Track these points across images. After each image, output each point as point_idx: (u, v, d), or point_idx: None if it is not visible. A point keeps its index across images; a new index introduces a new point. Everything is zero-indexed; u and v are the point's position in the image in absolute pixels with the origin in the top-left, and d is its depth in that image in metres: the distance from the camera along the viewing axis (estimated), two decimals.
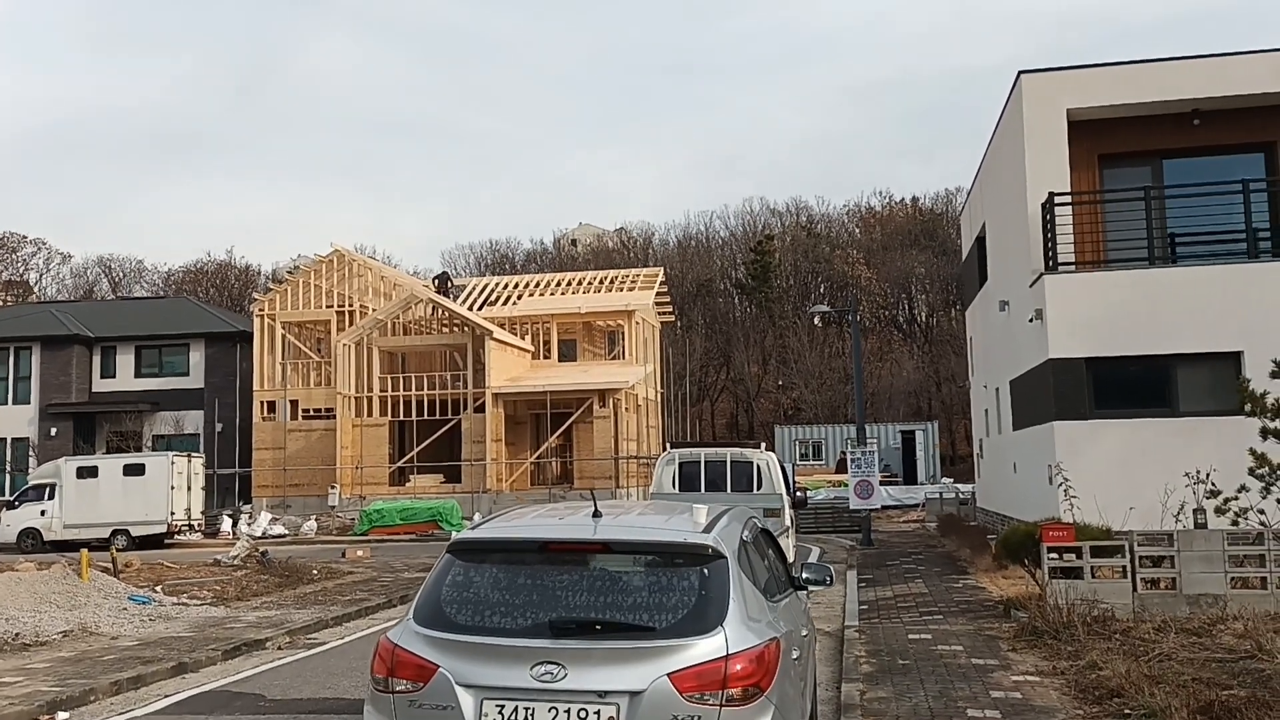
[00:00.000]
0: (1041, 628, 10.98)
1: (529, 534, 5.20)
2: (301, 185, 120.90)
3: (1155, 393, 16.60)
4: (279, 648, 12.47)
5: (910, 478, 42.47)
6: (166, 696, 9.91)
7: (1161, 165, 18.70)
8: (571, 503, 5.83)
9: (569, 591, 4.75)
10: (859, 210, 78.14)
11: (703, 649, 4.53)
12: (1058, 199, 16.80)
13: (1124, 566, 12.01)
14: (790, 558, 14.35)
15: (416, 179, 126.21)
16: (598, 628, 4.60)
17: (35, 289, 71.26)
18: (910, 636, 11.39)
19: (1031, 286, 17.46)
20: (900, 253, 68.30)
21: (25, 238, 71.74)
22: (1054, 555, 12.00)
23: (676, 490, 14.76)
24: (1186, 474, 12.77)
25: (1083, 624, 10.67)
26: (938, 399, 60.47)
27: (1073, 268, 17.00)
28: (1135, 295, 16.55)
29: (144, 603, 15.14)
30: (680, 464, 14.86)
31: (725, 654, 4.54)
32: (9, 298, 66.34)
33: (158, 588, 16.49)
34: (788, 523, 14.03)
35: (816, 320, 67.46)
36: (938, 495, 31.20)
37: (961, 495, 30.24)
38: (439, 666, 4.63)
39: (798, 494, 16.30)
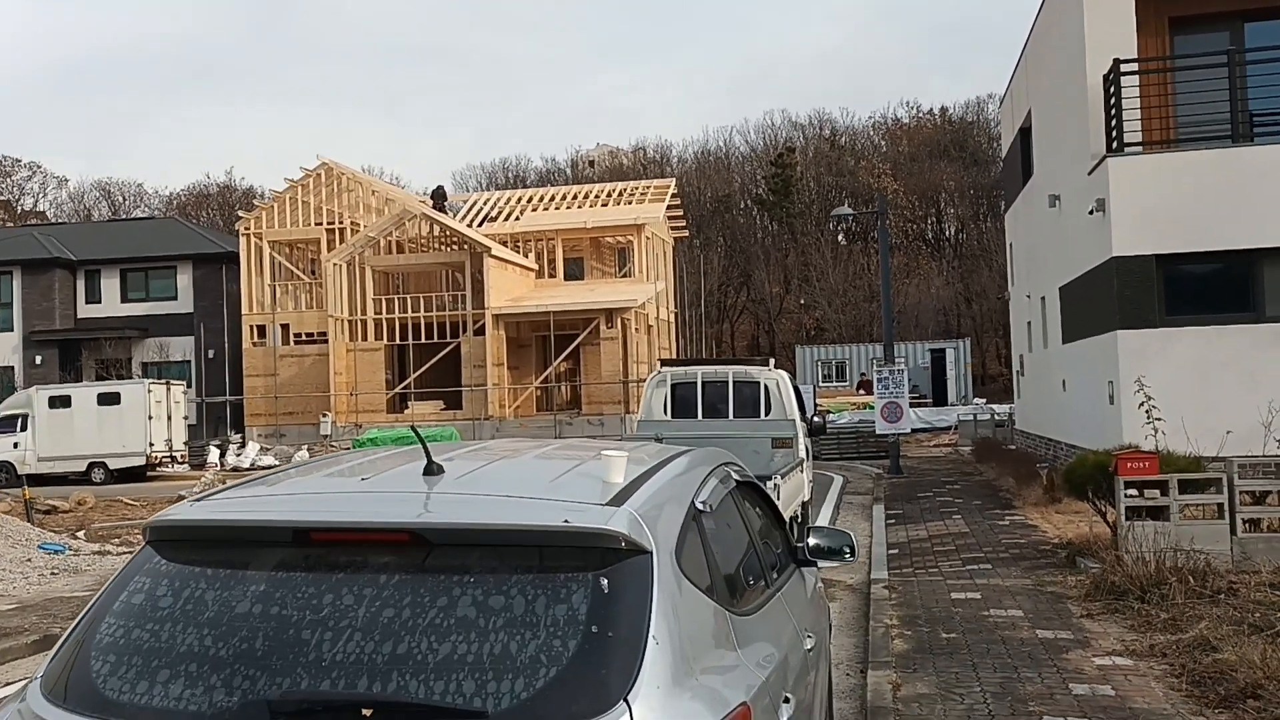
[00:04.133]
0: (1121, 584, 8.65)
1: (278, 513, 2.80)
2: (318, 113, 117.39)
3: (1237, 294, 14.11)
4: None
5: (940, 399, 39.96)
6: (5, 686, 7.78)
7: (1243, 28, 15.90)
8: (410, 449, 3.18)
9: (335, 633, 2.40)
10: (885, 122, 74.36)
11: None
12: (1124, 67, 14.11)
13: (1219, 504, 9.68)
14: (806, 496, 12.06)
15: (434, 104, 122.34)
16: (368, 714, 2.27)
17: (37, 213, 69.12)
18: (954, 596, 9.09)
19: (1091, 174, 14.87)
20: (929, 164, 64.95)
21: (19, 161, 69.51)
22: (1132, 491, 9.67)
23: (669, 417, 12.38)
24: None
25: (1178, 579, 8.33)
26: (968, 316, 57.79)
27: (1140, 149, 14.39)
28: (1216, 179, 13.95)
29: (57, 551, 13.08)
30: (673, 385, 12.49)
31: None
32: (8, 222, 64.28)
33: (80, 533, 14.46)
34: (802, 454, 11.70)
35: (840, 237, 64.72)
36: (971, 417, 28.79)
37: (997, 417, 27.84)
38: None
39: (815, 419, 13.90)
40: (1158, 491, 9.64)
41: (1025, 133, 21.35)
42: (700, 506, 3.17)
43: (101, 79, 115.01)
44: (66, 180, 75.00)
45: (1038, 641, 7.45)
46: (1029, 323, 21.83)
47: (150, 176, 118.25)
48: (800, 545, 4.57)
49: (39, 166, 71.48)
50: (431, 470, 2.95)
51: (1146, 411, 10.45)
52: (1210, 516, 9.75)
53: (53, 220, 64.97)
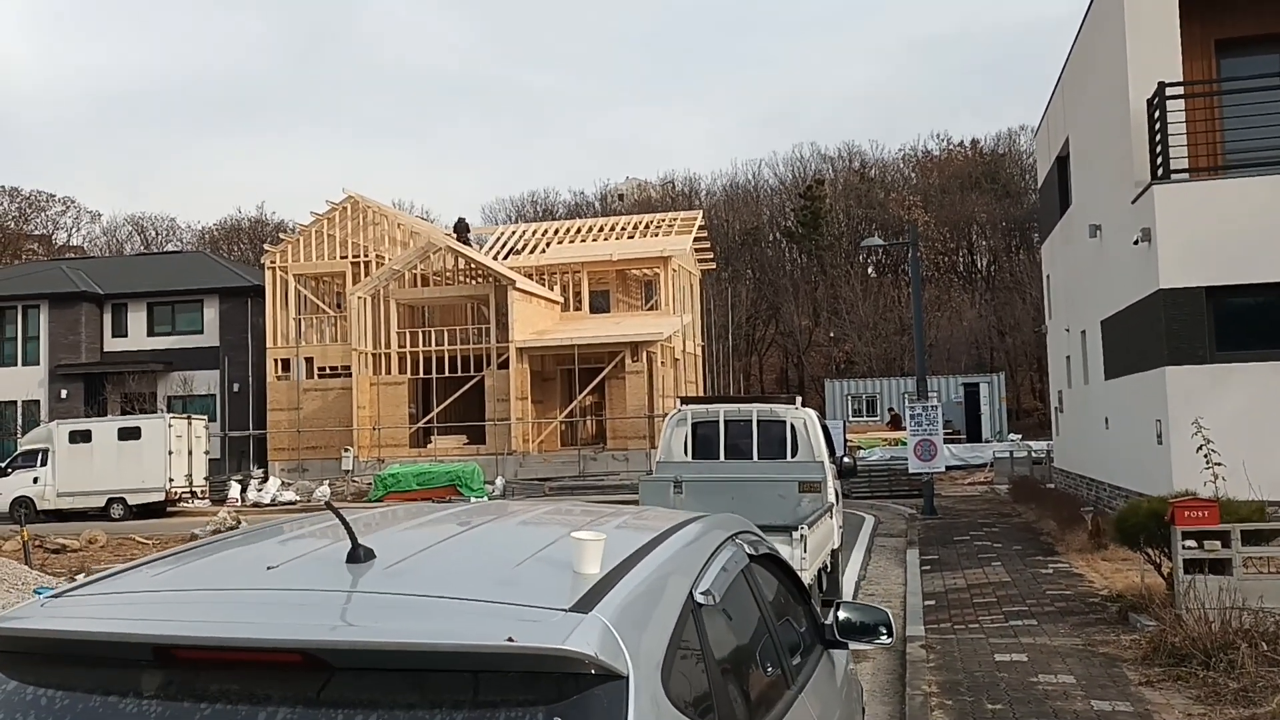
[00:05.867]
0: (1182, 647, 7.89)
1: (140, 621, 2.16)
2: (348, 148, 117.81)
3: None
4: None
5: (974, 435, 39.00)
6: None
7: None
8: (343, 517, 2.47)
9: None
10: (915, 154, 73.73)
11: None
12: (1170, 90, 13.45)
13: None
14: (835, 543, 11.35)
15: (464, 138, 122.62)
16: None
17: (72, 247, 69.65)
18: (997, 657, 8.35)
19: (1134, 202, 14.18)
20: (960, 196, 64.16)
21: (54, 195, 70.08)
22: (1190, 542, 8.91)
23: (689, 458, 11.73)
24: None
25: (1247, 643, 7.57)
26: (1001, 349, 56.78)
27: (1187, 176, 13.70)
28: (1268, 207, 13.22)
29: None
30: (694, 424, 11.84)
31: None
32: (42, 256, 64.67)
33: (80, 575, 13.92)
34: (832, 498, 10.98)
35: (870, 269, 64.00)
36: (1007, 454, 27.89)
37: (1034, 454, 26.94)
38: None
39: (845, 460, 13.17)
40: (1218, 543, 8.88)
41: (1062, 161, 20.67)
42: (701, 599, 2.54)
43: (136, 114, 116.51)
44: (99, 215, 75.67)
45: (1094, 715, 6.72)
46: (1068, 357, 21.05)
47: (183, 211, 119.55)
48: (828, 624, 3.92)
49: (73, 201, 72.13)
50: (357, 557, 2.34)
51: (1205, 455, 9.68)
52: (1277, 570, 8.99)
53: (88, 254, 65.38)
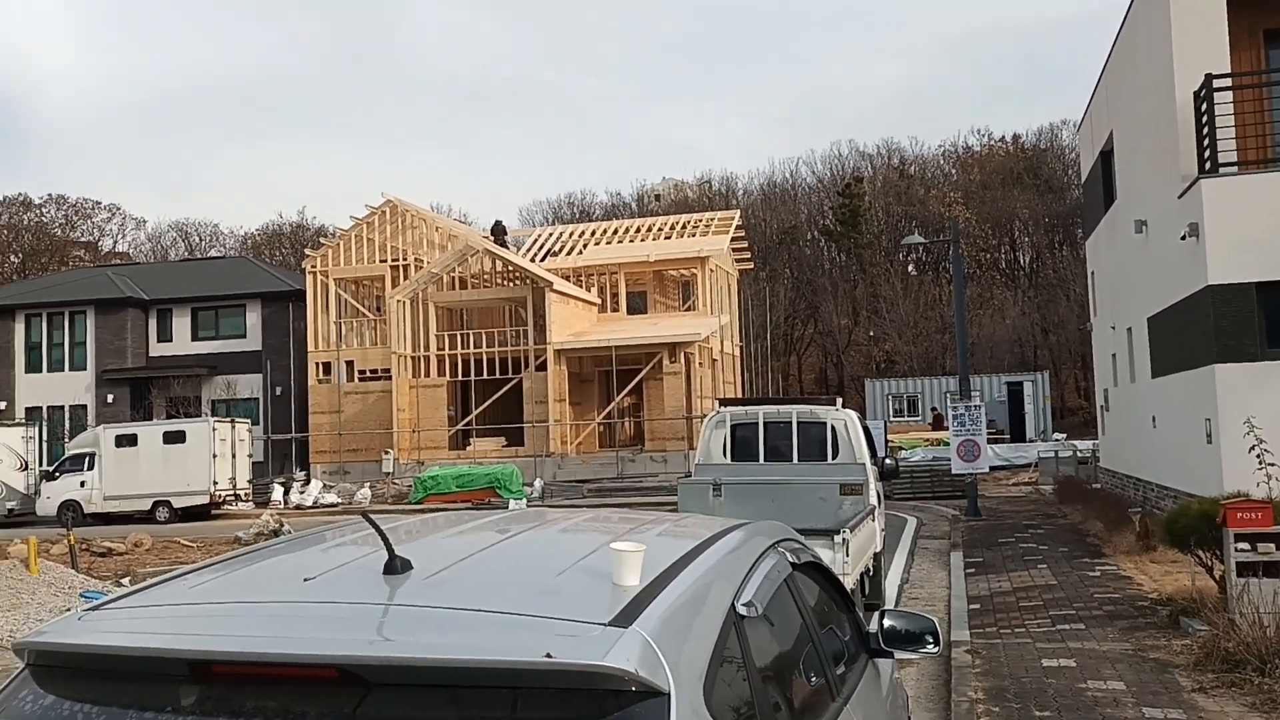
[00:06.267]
0: (1236, 652, 7.71)
1: (176, 636, 2.15)
2: (387, 151, 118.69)
3: None
4: None
5: (1018, 434, 38.53)
6: None
7: None
8: (396, 524, 2.47)
9: None
10: (955, 150, 73.00)
11: None
12: (1217, 82, 13.19)
13: None
14: (877, 546, 11.22)
15: (502, 141, 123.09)
16: None
17: (118, 254, 70.74)
18: (1045, 663, 8.20)
19: (1181, 197, 13.90)
20: (1001, 192, 63.44)
21: (99, 203, 71.20)
22: (1243, 545, 8.71)
23: (729, 460, 11.64)
24: None
25: None
26: (1044, 347, 56.08)
27: (1235, 169, 13.42)
28: None
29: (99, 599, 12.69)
30: (732, 426, 11.75)
31: None
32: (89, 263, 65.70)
33: (125, 579, 14.08)
34: (873, 500, 10.85)
35: (910, 267, 63.49)
36: (1052, 454, 27.52)
37: (1079, 454, 26.55)
38: None
39: (887, 462, 12.99)
40: (1273, 545, 8.67)
41: (1106, 156, 20.36)
42: (743, 610, 2.48)
43: (180, 121, 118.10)
44: (144, 221, 76.83)
45: None
46: (1114, 355, 20.72)
47: (226, 217, 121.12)
48: (873, 632, 3.84)
49: (118, 208, 73.22)
50: (394, 568, 2.30)
51: (1258, 455, 9.44)
52: None
53: (133, 260, 66.36)
